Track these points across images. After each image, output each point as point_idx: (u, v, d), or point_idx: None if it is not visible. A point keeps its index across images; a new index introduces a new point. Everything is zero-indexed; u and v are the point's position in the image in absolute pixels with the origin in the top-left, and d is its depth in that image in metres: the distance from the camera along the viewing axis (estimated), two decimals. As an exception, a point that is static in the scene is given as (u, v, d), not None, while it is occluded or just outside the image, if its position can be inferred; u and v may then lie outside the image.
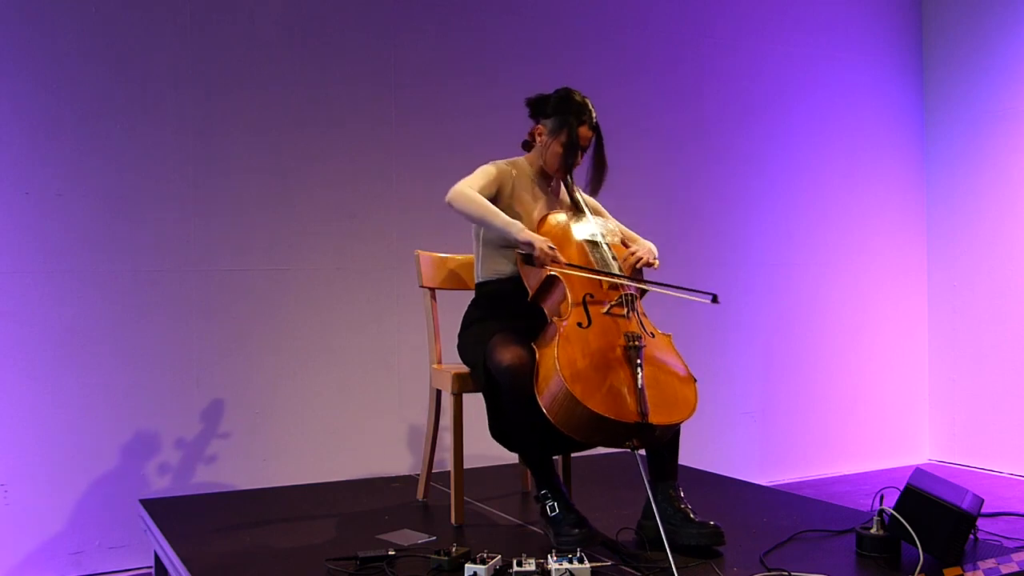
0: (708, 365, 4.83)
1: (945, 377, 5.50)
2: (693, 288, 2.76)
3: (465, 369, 2.96)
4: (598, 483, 3.55)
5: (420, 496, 3.33)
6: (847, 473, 5.24)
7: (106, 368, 3.67)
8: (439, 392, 3.18)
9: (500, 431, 2.81)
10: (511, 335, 2.78)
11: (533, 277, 2.81)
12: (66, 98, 3.63)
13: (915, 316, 5.57)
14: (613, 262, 2.84)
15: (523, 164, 3.03)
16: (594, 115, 2.92)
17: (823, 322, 5.27)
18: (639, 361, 2.55)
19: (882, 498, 2.65)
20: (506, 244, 2.89)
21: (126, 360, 3.71)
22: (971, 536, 2.58)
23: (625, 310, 2.73)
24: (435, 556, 2.46)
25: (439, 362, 3.19)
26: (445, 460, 3.76)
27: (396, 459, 4.17)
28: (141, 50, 3.76)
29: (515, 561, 2.36)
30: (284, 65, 4.00)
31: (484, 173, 2.93)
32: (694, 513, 2.64)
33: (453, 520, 2.97)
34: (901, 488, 2.54)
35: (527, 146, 3.05)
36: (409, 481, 3.66)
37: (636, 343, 2.60)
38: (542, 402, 2.55)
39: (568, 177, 2.99)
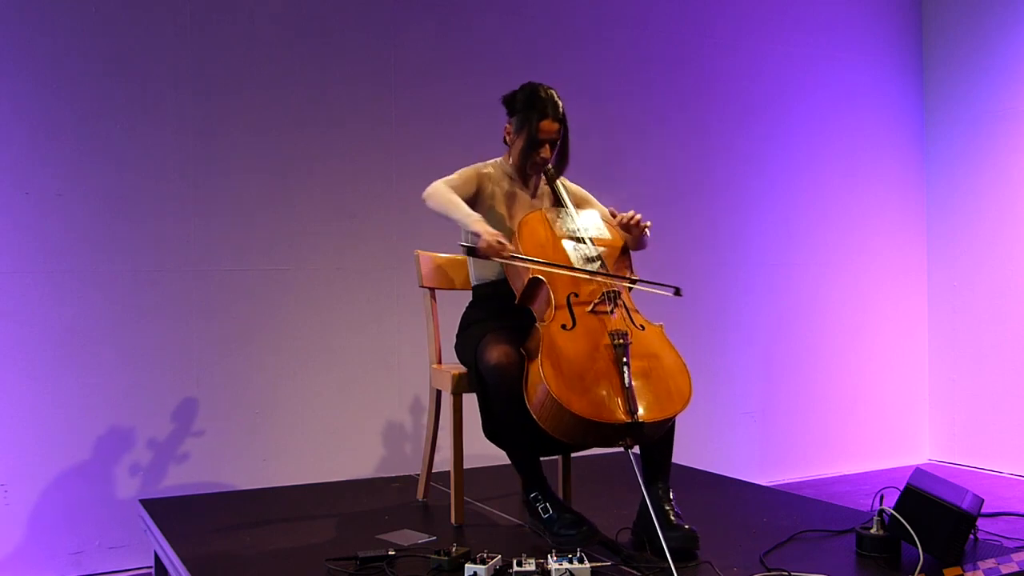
0: (708, 365, 4.83)
1: (945, 377, 5.49)
2: (657, 281, 2.75)
3: (465, 369, 2.96)
4: (597, 483, 3.54)
5: (420, 496, 3.33)
6: (847, 473, 5.24)
7: (106, 368, 3.67)
8: (439, 392, 3.18)
9: (492, 430, 2.81)
10: (502, 334, 2.77)
11: (517, 279, 2.80)
12: (66, 98, 3.63)
13: (915, 316, 5.57)
14: (596, 259, 2.81)
15: (500, 164, 3.04)
16: (560, 107, 2.88)
17: (823, 322, 5.27)
18: (625, 359, 2.54)
19: (882, 498, 2.64)
20: None
21: (126, 360, 3.71)
22: (971, 536, 2.58)
23: (609, 307, 2.70)
24: (435, 556, 2.46)
25: (439, 362, 3.18)
26: (445, 460, 3.75)
27: (396, 459, 4.17)
28: (141, 50, 3.76)
29: (515, 561, 2.36)
30: (284, 65, 4.00)
31: (461, 173, 2.96)
32: (676, 516, 2.61)
33: (453, 520, 2.97)
34: (901, 488, 2.53)
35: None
36: (409, 481, 3.66)
37: (621, 341, 2.57)
38: (531, 409, 2.55)
39: (547, 170, 2.97)
